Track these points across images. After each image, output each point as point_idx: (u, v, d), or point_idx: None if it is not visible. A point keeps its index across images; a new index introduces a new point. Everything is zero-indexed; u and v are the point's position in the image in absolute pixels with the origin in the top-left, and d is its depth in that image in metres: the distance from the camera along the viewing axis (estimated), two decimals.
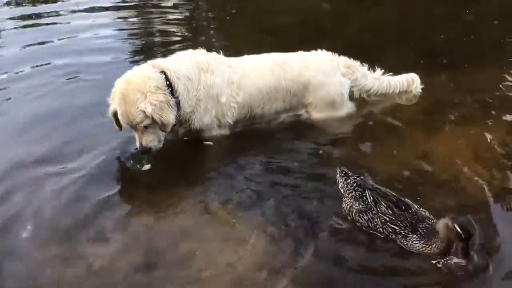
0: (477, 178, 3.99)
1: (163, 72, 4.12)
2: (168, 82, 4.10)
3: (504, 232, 3.46)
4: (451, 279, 3.11)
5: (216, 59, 4.49)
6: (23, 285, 3.16)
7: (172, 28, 7.46)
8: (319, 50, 4.86)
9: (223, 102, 4.38)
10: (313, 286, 3.12)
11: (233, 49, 6.19)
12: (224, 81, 4.38)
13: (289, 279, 3.10)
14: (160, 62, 4.28)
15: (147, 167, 4.19)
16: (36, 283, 3.17)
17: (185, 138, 4.54)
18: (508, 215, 3.67)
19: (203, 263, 3.24)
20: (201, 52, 4.52)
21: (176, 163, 4.31)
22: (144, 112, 3.94)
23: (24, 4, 8.92)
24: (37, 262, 3.30)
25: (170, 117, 4.02)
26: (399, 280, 3.12)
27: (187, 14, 8.09)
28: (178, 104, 4.16)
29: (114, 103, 4.05)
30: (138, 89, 3.96)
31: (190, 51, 4.54)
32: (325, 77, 4.67)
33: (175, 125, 4.18)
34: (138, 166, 4.21)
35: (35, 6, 8.68)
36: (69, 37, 7.16)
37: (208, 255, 3.31)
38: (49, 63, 6.23)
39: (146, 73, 4.07)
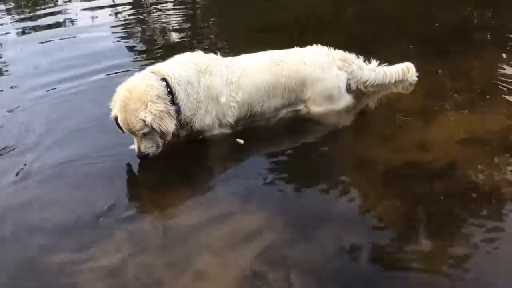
0: (475, 165, 4.04)
1: (164, 79, 4.20)
2: (169, 89, 4.18)
3: (502, 220, 3.52)
4: None
5: (214, 60, 4.55)
6: None
7: (170, 29, 7.53)
8: (314, 45, 4.91)
9: (223, 102, 4.45)
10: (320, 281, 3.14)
11: (231, 48, 6.34)
12: (223, 82, 4.45)
13: (297, 276, 3.13)
14: (160, 68, 4.35)
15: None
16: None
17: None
18: (506, 203, 3.70)
19: (210, 261, 3.30)
20: (198, 54, 4.59)
21: (178, 163, 4.39)
22: (144, 121, 4.03)
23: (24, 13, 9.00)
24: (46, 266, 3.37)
25: (169, 126, 4.09)
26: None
27: (185, 14, 8.14)
28: (178, 110, 4.24)
29: (115, 109, 4.15)
30: (139, 98, 4.04)
31: (188, 53, 4.60)
32: (322, 72, 4.74)
33: (173, 134, 4.26)
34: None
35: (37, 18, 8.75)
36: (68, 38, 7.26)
37: (215, 254, 3.36)
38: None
39: (148, 82, 4.13)
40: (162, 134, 4.13)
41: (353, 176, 4.15)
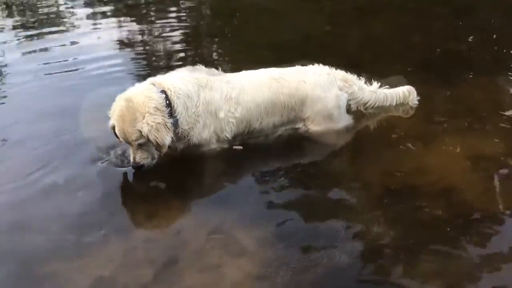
0: (473, 189, 4.02)
1: (164, 91, 4.21)
2: (167, 102, 4.19)
3: (500, 241, 3.50)
4: None
5: (215, 75, 4.56)
6: None
7: (174, 43, 7.55)
8: (316, 64, 4.93)
9: (222, 117, 4.44)
10: None
11: (232, 64, 6.36)
12: (222, 97, 4.45)
13: None
14: (161, 80, 4.36)
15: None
16: None
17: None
18: (504, 226, 3.69)
19: (200, 276, 3.28)
20: (200, 69, 4.61)
21: (174, 175, 4.37)
22: (140, 131, 4.04)
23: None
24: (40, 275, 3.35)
25: (165, 138, 4.10)
26: None
27: (189, 29, 8.18)
28: (176, 123, 4.25)
29: (113, 119, 4.15)
30: (137, 108, 4.07)
31: (190, 67, 4.64)
32: (322, 91, 4.73)
33: (170, 147, 4.26)
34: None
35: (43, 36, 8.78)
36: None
37: (205, 269, 3.34)
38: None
39: (147, 93, 4.15)
40: (158, 146, 4.13)
41: (349, 197, 4.10)
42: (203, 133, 4.43)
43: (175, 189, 4.21)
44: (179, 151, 4.50)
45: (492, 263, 3.34)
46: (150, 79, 4.45)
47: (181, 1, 9.33)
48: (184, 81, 4.37)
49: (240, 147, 4.57)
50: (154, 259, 3.45)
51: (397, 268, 3.33)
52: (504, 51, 6.70)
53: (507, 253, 3.41)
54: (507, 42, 6.98)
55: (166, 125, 4.11)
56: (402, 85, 5.26)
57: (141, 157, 4.17)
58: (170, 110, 4.20)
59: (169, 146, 4.22)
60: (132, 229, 3.79)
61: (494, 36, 7.37)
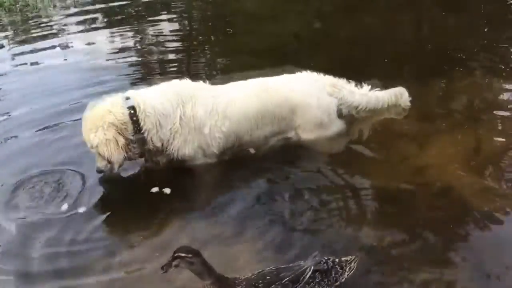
0: (470, 188, 3.99)
1: (133, 107, 4.21)
2: (135, 118, 4.20)
3: (501, 241, 3.48)
4: None
5: (200, 89, 4.50)
6: None
7: (164, 51, 7.50)
8: (304, 72, 4.86)
9: (206, 133, 4.40)
10: None
11: (222, 73, 6.32)
12: (207, 112, 4.40)
13: None
14: (137, 95, 4.34)
15: (154, 190, 4.29)
16: None
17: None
18: (504, 224, 3.66)
19: None
20: (185, 83, 4.55)
21: (171, 188, 4.31)
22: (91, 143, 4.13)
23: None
24: None
25: (114, 155, 4.14)
26: None
27: (179, 36, 8.14)
28: (143, 140, 4.27)
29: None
30: (94, 120, 4.14)
31: (175, 81, 4.57)
32: (311, 99, 4.67)
33: (121, 165, 4.30)
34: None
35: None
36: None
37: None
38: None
39: (110, 107, 4.19)
40: (108, 161, 4.19)
41: (346, 203, 4.04)
42: (185, 148, 4.40)
43: (170, 201, 4.18)
44: (161, 165, 4.52)
45: (492, 264, 3.30)
46: (129, 92, 4.44)
47: (172, 8, 9.31)
48: (162, 99, 4.34)
49: (253, 151, 4.61)
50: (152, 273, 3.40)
51: (397, 272, 3.29)
52: (495, 45, 6.66)
53: (506, 254, 3.38)
54: (499, 37, 6.94)
55: (118, 142, 4.14)
56: (394, 85, 5.20)
57: (101, 164, 4.25)
58: (137, 127, 4.22)
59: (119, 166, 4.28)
60: (123, 244, 3.75)
61: (486, 29, 7.31)
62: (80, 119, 4.30)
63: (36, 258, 3.63)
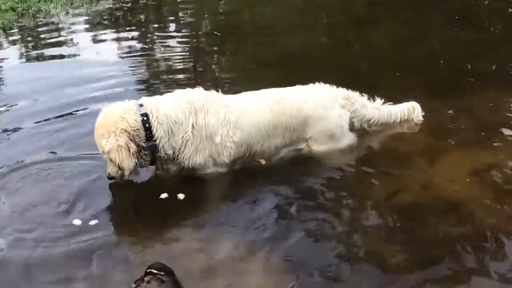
0: (482, 205, 3.96)
1: (146, 114, 4.21)
2: (147, 125, 4.20)
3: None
4: None
5: (212, 98, 4.50)
6: None
7: (176, 61, 7.49)
8: (317, 83, 4.86)
9: (218, 142, 4.39)
10: None
11: (233, 83, 6.30)
12: (219, 121, 4.39)
13: None
14: (150, 102, 4.35)
15: (163, 196, 4.29)
16: None
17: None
18: None
19: None
20: (197, 92, 4.55)
21: (174, 204, 4.29)
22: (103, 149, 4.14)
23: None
24: None
25: (125, 162, 4.13)
26: None
27: (189, 47, 8.16)
28: (154, 147, 4.26)
29: None
30: (107, 125, 4.14)
31: (188, 90, 4.57)
32: (324, 111, 4.67)
33: (132, 172, 4.28)
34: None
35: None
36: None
37: None
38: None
39: (123, 113, 4.19)
40: (119, 167, 4.17)
41: (356, 217, 4.04)
42: (196, 157, 4.39)
43: (181, 209, 4.19)
44: (172, 173, 4.51)
45: (504, 282, 3.27)
46: (143, 99, 4.45)
47: (181, 19, 9.34)
48: (175, 107, 4.34)
49: (263, 162, 4.60)
50: None
51: None
52: (509, 62, 6.64)
53: None
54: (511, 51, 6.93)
55: (129, 149, 4.13)
56: (405, 99, 5.19)
57: (112, 170, 4.24)
58: (149, 134, 4.21)
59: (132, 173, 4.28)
60: (136, 255, 3.71)
61: (499, 45, 7.30)
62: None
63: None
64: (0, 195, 4.35)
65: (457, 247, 3.59)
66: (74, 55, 7.89)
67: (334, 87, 4.87)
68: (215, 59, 7.97)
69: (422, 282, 3.32)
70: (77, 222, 3.99)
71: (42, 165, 4.70)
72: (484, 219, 3.82)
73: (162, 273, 2.83)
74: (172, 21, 9.41)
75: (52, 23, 9.26)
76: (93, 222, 4.01)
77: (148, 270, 2.84)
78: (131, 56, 7.62)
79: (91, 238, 3.82)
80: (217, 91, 4.68)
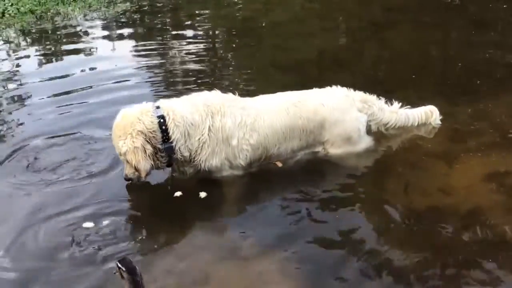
0: (500, 210, 3.93)
1: (163, 116, 4.23)
2: (164, 127, 4.22)
3: None
4: None
5: (229, 101, 4.51)
6: None
7: (190, 65, 7.53)
8: (334, 86, 4.84)
9: (234, 144, 4.40)
10: None
11: (248, 86, 6.30)
12: (236, 124, 4.39)
13: None
14: (167, 104, 4.38)
15: (178, 194, 4.35)
16: None
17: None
18: None
19: None
20: (214, 94, 4.56)
21: (189, 203, 4.33)
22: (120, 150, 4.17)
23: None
24: None
25: (141, 164, 4.15)
26: None
27: (206, 51, 8.18)
28: (171, 149, 4.28)
29: None
30: (124, 127, 4.18)
31: (205, 92, 4.60)
32: (341, 114, 4.65)
33: (148, 173, 4.31)
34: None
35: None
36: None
37: None
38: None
39: (140, 115, 4.22)
40: (135, 169, 4.20)
41: (372, 220, 4.03)
42: (212, 159, 4.40)
43: (196, 209, 4.23)
44: (188, 176, 4.53)
45: None
46: (160, 101, 4.47)
47: (197, 24, 9.37)
48: (192, 109, 4.36)
49: (280, 164, 4.60)
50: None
51: None
52: None
53: None
54: None
55: (146, 151, 4.16)
56: (423, 103, 5.16)
57: (128, 172, 4.27)
58: (165, 136, 4.23)
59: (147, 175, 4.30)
60: (152, 257, 3.73)
61: None
62: None
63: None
64: None
65: (473, 252, 3.57)
66: (91, 54, 8.02)
67: (351, 90, 4.85)
68: (232, 62, 7.97)
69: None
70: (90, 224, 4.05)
71: None
72: (502, 225, 3.79)
73: (123, 269, 2.86)
74: (188, 25, 9.40)
75: (71, 25, 9.34)
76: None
77: (116, 263, 2.90)
78: (147, 60, 7.65)
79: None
80: (234, 93, 4.69)
